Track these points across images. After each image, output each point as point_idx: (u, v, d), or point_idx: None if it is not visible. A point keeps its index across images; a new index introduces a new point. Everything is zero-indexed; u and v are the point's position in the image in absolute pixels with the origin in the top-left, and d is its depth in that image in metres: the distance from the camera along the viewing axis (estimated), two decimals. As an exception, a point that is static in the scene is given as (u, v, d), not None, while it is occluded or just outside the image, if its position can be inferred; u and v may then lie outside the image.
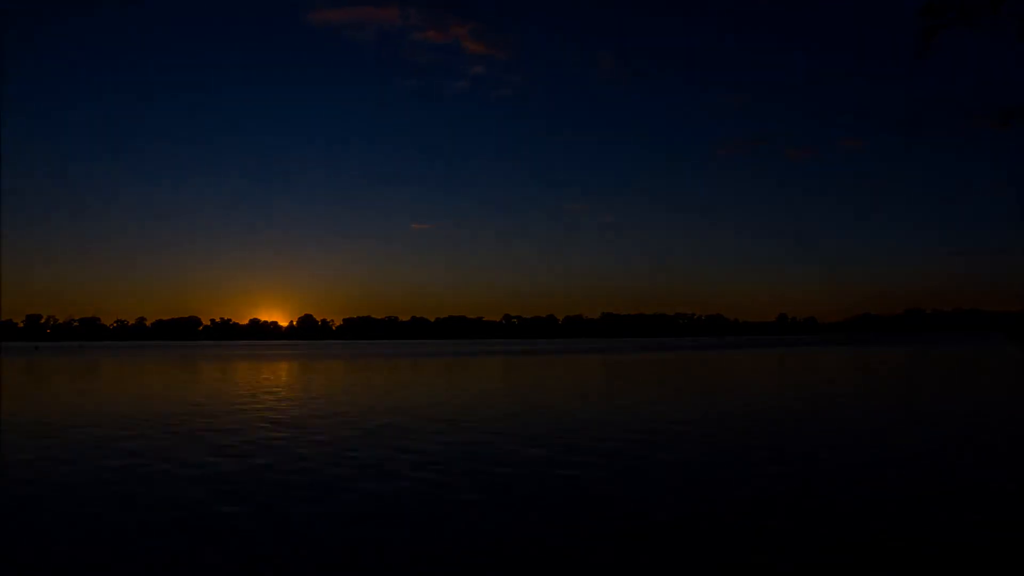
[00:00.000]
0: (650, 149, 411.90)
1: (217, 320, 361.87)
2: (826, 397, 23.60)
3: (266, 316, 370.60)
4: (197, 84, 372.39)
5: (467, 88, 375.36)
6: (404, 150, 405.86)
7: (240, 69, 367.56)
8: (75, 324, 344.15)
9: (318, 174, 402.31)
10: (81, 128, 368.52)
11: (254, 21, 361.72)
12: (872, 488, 10.00)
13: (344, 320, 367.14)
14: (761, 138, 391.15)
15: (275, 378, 38.89)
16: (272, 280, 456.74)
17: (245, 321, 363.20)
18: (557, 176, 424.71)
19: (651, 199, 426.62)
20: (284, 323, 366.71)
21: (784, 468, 11.49)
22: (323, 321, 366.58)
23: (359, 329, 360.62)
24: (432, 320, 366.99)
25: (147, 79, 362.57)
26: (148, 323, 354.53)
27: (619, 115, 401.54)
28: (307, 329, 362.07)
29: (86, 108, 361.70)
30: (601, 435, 15.39)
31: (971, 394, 24.04)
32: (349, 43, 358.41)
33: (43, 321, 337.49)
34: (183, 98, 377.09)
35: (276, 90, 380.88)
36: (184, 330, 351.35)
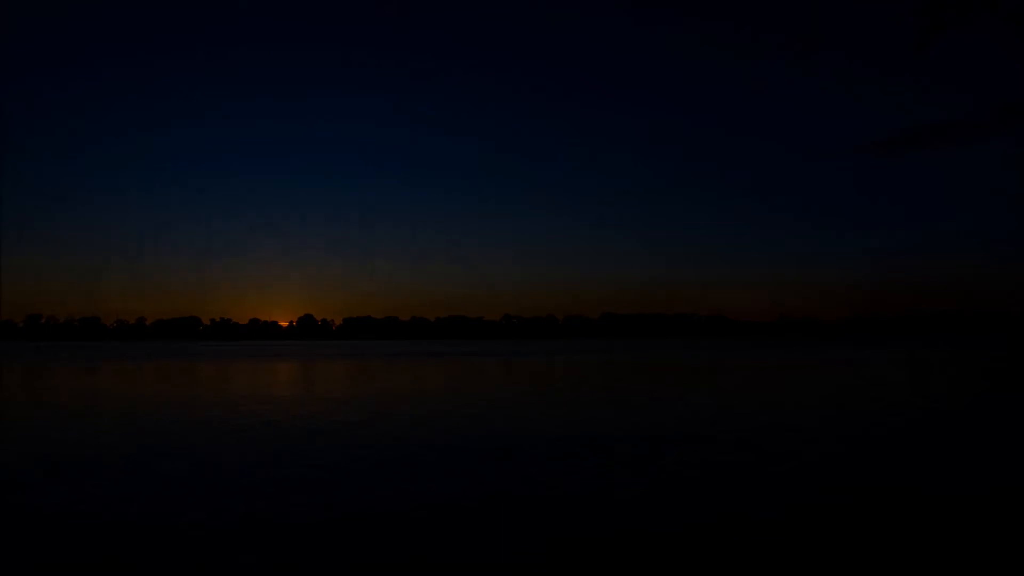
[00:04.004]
0: (650, 150, 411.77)
1: (217, 320, 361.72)
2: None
3: (266, 316, 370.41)
4: (198, 85, 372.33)
5: (463, 87, 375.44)
6: (403, 150, 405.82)
7: (240, 71, 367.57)
8: (75, 324, 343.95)
9: (318, 174, 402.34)
10: (82, 128, 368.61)
11: (255, 25, 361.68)
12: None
13: (344, 320, 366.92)
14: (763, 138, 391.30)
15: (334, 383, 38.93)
16: (272, 280, 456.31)
17: (245, 321, 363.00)
18: (557, 176, 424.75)
19: (651, 199, 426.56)
20: (284, 323, 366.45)
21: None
22: (323, 321, 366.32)
23: (359, 329, 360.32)
24: (432, 320, 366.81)
25: (149, 80, 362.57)
26: (148, 323, 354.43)
27: (619, 118, 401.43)
28: (307, 329, 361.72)
29: (88, 109, 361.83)
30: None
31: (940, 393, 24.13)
32: (350, 45, 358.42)
33: (43, 321, 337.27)
34: (184, 100, 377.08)
35: (276, 91, 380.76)
36: (184, 330, 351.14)
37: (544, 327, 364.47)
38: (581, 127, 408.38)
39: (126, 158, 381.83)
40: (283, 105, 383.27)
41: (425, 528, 8.43)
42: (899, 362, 50.58)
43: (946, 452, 13.30)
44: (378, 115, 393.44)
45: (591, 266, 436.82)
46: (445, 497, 10.01)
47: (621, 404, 22.77)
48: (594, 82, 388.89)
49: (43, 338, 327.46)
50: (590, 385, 31.19)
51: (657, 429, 16.91)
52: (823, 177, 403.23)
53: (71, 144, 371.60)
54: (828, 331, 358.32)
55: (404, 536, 8.11)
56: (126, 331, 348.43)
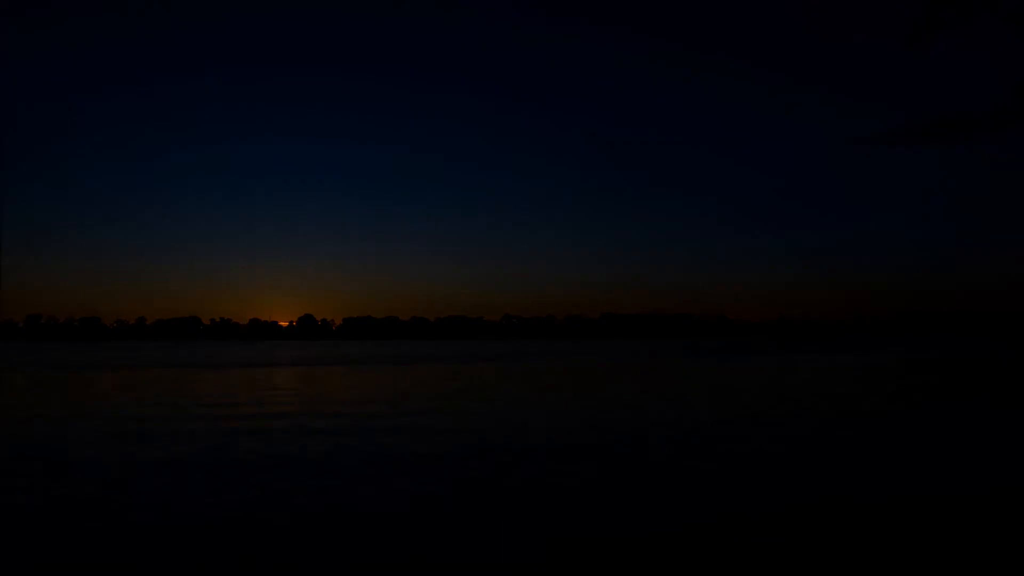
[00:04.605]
0: (649, 147, 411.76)
1: (217, 320, 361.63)
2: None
3: (266, 316, 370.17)
4: (197, 84, 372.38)
5: (462, 89, 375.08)
6: (404, 150, 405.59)
7: (240, 71, 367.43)
8: (75, 324, 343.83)
9: (318, 173, 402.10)
10: (82, 128, 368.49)
11: (253, 24, 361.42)
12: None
13: (344, 320, 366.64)
14: (767, 136, 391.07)
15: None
16: (272, 280, 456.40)
17: (245, 321, 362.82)
18: (558, 176, 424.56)
19: (650, 198, 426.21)
20: (284, 323, 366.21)
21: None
22: (323, 321, 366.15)
23: (359, 329, 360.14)
24: (432, 320, 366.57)
25: (150, 82, 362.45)
26: (148, 323, 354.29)
27: (620, 119, 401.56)
28: (307, 329, 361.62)
29: (88, 107, 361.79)
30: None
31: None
32: (351, 46, 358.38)
33: (43, 321, 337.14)
34: (183, 98, 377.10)
35: (276, 91, 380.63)
36: (184, 330, 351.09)
37: (544, 327, 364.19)
38: (582, 128, 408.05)
39: (126, 159, 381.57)
40: (284, 107, 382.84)
41: (425, 528, 8.44)
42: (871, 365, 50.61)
43: (880, 459, 13.30)
44: (377, 118, 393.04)
45: (591, 266, 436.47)
46: (445, 497, 10.01)
47: (619, 404, 22.81)
48: (599, 83, 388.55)
49: (43, 338, 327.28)
50: (588, 384, 31.21)
51: (657, 429, 16.92)
52: (822, 177, 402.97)
53: (72, 144, 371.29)
54: (828, 331, 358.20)
55: (404, 536, 8.11)
56: (126, 331, 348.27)
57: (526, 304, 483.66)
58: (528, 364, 54.56)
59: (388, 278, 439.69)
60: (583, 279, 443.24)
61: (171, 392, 28.94)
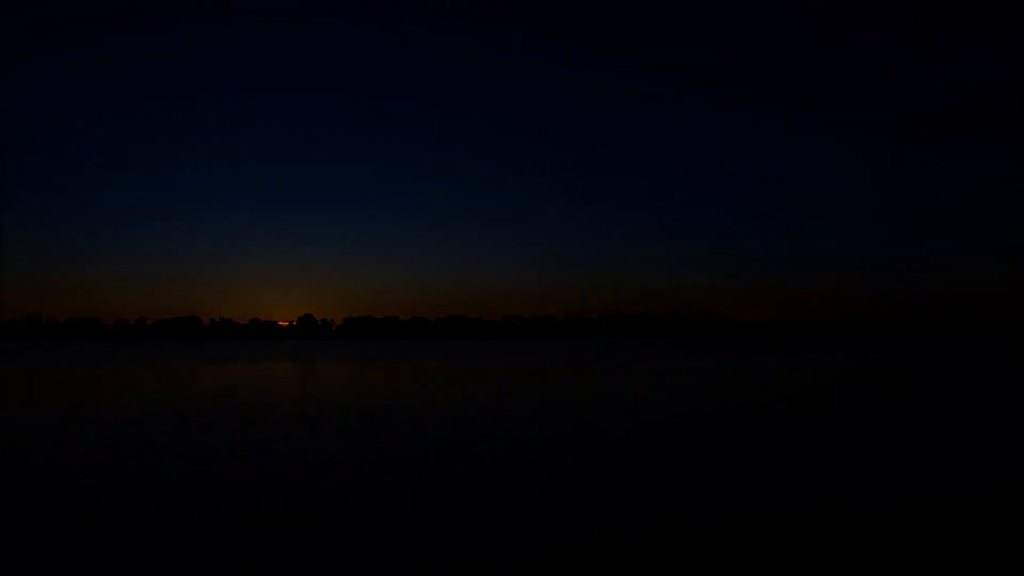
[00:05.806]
0: (648, 147, 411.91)
1: (217, 320, 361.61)
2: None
3: (266, 316, 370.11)
4: (197, 85, 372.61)
5: (461, 88, 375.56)
6: (403, 148, 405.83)
7: (240, 70, 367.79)
8: (75, 324, 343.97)
9: (317, 173, 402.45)
10: (82, 128, 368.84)
11: (253, 26, 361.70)
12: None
13: (344, 320, 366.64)
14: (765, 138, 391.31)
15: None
16: (272, 280, 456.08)
17: (245, 321, 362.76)
18: (556, 175, 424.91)
19: (649, 199, 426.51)
20: (284, 323, 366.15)
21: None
22: (323, 321, 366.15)
23: (359, 329, 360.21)
24: (432, 320, 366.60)
25: (151, 82, 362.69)
26: (148, 323, 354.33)
27: (620, 117, 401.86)
28: (307, 329, 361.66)
29: (90, 109, 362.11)
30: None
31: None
32: (349, 50, 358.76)
33: (43, 321, 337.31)
34: (182, 99, 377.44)
35: (276, 91, 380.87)
36: (184, 330, 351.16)
37: (544, 327, 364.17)
38: (584, 128, 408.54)
39: (127, 159, 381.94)
40: (283, 108, 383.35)
41: (424, 528, 8.44)
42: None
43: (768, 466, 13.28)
44: (378, 117, 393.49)
45: (591, 266, 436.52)
46: (444, 497, 10.01)
47: (616, 405, 22.82)
48: (597, 80, 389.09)
49: (43, 338, 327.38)
50: (586, 386, 31.22)
51: (653, 430, 16.93)
52: (819, 175, 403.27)
53: (72, 145, 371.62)
54: (828, 331, 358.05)
55: (404, 536, 8.11)
56: (126, 331, 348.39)
57: (526, 304, 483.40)
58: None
59: (388, 278, 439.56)
60: (583, 279, 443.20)
61: None
